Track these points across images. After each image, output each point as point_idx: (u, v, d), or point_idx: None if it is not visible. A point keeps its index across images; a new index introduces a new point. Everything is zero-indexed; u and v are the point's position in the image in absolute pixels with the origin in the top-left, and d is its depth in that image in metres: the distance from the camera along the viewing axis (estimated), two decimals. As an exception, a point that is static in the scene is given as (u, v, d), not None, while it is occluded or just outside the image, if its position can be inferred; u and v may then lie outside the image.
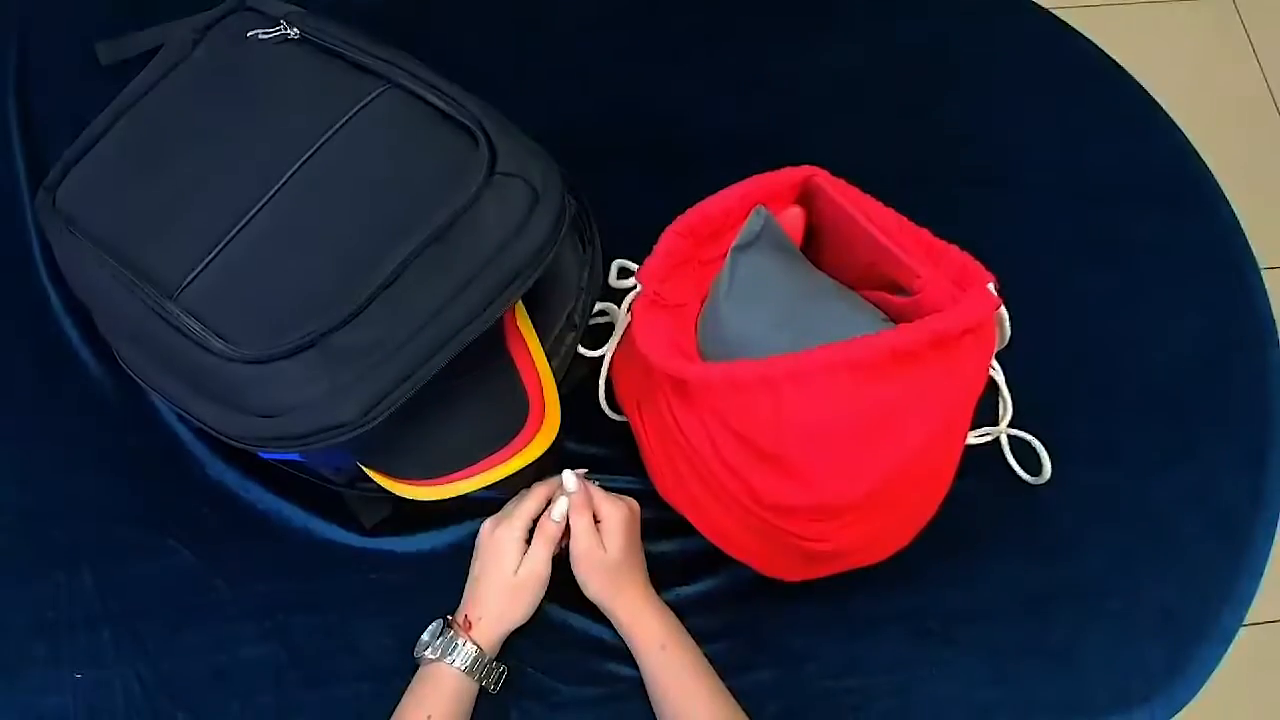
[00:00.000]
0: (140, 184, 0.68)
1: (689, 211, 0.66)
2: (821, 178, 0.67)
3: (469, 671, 0.67)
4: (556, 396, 0.69)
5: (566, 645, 0.73)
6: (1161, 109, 0.94)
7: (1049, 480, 0.77)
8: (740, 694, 0.69)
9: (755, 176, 0.67)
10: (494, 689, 0.70)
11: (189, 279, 0.64)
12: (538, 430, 0.67)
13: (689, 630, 0.71)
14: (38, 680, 0.71)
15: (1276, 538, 0.79)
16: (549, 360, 0.70)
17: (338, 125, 0.67)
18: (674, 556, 0.72)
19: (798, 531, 0.62)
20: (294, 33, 0.71)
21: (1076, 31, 0.98)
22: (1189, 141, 0.93)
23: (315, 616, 0.74)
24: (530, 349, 0.69)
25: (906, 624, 0.74)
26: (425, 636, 0.69)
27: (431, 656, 0.68)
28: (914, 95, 0.94)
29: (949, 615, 0.75)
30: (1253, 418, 0.82)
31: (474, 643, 0.68)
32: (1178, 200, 0.90)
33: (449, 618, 0.70)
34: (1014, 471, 0.78)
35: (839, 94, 0.93)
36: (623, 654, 0.70)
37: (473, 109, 0.67)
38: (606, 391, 0.76)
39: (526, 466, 0.68)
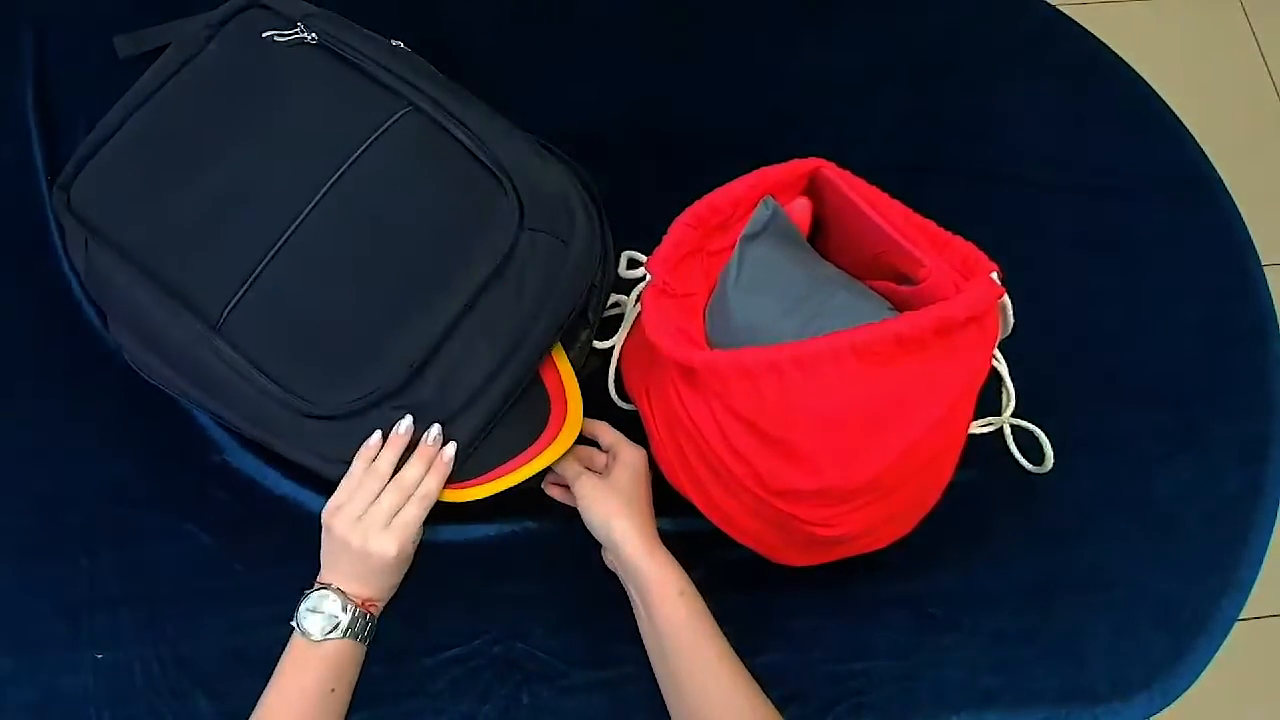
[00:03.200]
0: (163, 192, 0.68)
1: (698, 202, 0.67)
2: (829, 169, 0.68)
3: (353, 637, 0.66)
4: (579, 396, 0.70)
5: (574, 628, 0.74)
6: (1164, 102, 0.95)
7: (1051, 470, 0.78)
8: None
9: (763, 168, 0.68)
10: (367, 642, 0.68)
11: (227, 309, 0.65)
12: (559, 430, 0.68)
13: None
14: (59, 660, 0.73)
15: (1276, 529, 0.80)
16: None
17: (361, 147, 0.67)
18: (680, 541, 0.73)
19: (803, 516, 0.63)
20: (311, 37, 0.71)
21: (1079, 25, 0.98)
22: (1191, 135, 0.94)
23: (330, 600, 0.75)
24: (552, 352, 0.70)
25: (910, 610, 0.75)
26: (305, 606, 0.66)
27: (312, 633, 0.65)
28: (917, 89, 0.94)
29: (952, 602, 0.76)
30: (1254, 409, 0.83)
31: (351, 602, 0.66)
32: (1180, 193, 0.91)
33: (329, 585, 0.67)
34: (1017, 461, 0.79)
35: (844, 89, 0.94)
36: (630, 636, 0.71)
37: (495, 146, 0.68)
38: (616, 381, 0.77)
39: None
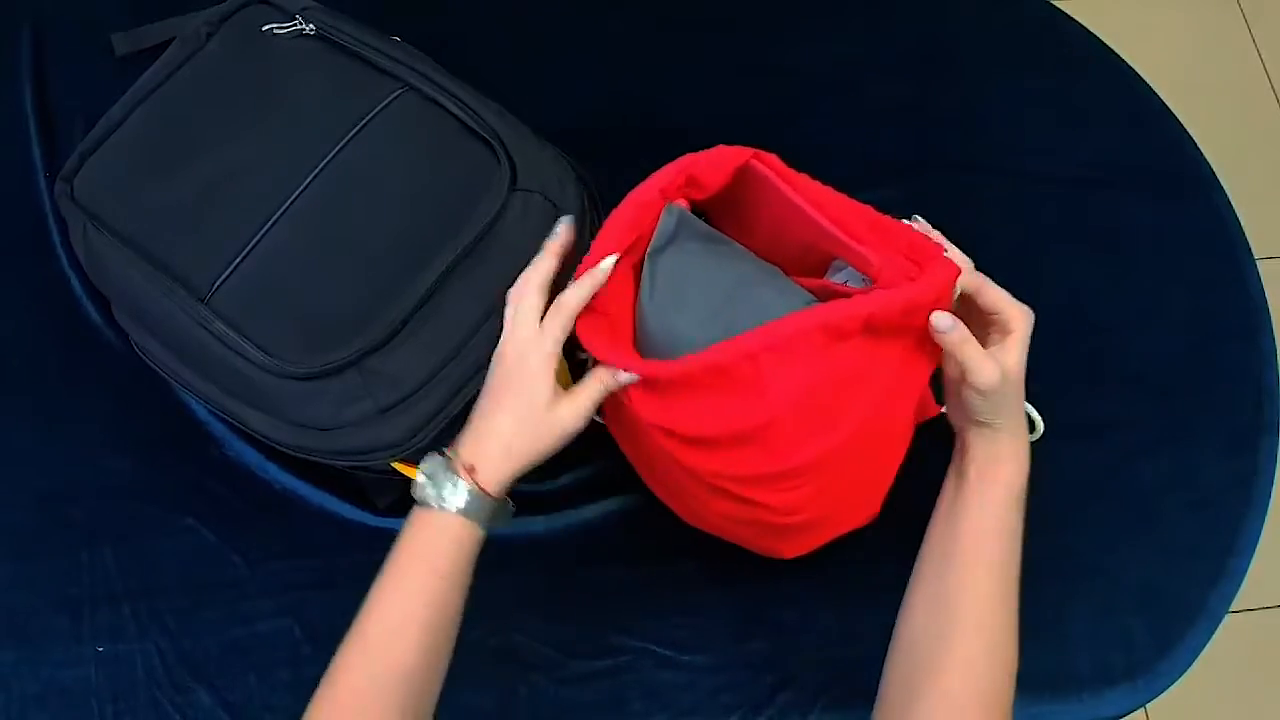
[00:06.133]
0: (161, 179, 0.69)
1: (615, 213, 0.63)
2: (760, 163, 0.65)
3: (474, 520, 0.58)
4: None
5: (571, 619, 0.75)
6: (1157, 95, 0.95)
7: (1037, 456, 0.77)
8: (739, 665, 0.72)
9: (691, 155, 0.64)
10: (503, 528, 0.61)
11: (218, 282, 0.66)
12: None
13: (686, 605, 0.73)
14: (60, 654, 0.74)
15: (1266, 522, 0.80)
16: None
17: (357, 128, 0.68)
18: (671, 530, 0.74)
19: (771, 503, 0.62)
20: (310, 29, 0.72)
21: (1072, 19, 0.99)
22: (1183, 127, 0.94)
23: (329, 593, 0.75)
24: None
25: (898, 596, 0.76)
26: (421, 476, 0.59)
27: (430, 502, 0.58)
28: (911, 82, 0.95)
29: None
30: (1242, 401, 0.83)
31: (478, 487, 0.58)
32: (1172, 186, 0.91)
33: (448, 454, 0.59)
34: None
35: (838, 83, 0.94)
36: (628, 625, 0.71)
37: (489, 118, 0.69)
38: None
39: None
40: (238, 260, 0.66)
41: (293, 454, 0.68)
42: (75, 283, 0.83)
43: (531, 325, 0.59)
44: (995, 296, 0.61)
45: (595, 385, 0.60)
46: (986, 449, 0.61)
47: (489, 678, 0.73)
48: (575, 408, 0.60)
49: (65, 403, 0.81)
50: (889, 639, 0.74)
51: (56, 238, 0.85)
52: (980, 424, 0.61)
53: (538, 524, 0.78)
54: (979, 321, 0.62)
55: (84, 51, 0.91)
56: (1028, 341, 0.61)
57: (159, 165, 0.69)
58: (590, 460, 0.79)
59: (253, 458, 0.78)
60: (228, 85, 0.72)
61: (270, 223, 0.66)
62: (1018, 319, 0.61)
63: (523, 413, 0.59)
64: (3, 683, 0.73)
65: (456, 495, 0.57)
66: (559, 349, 0.59)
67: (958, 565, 0.60)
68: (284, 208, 0.66)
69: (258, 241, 0.66)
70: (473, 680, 0.73)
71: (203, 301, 0.65)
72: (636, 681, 0.72)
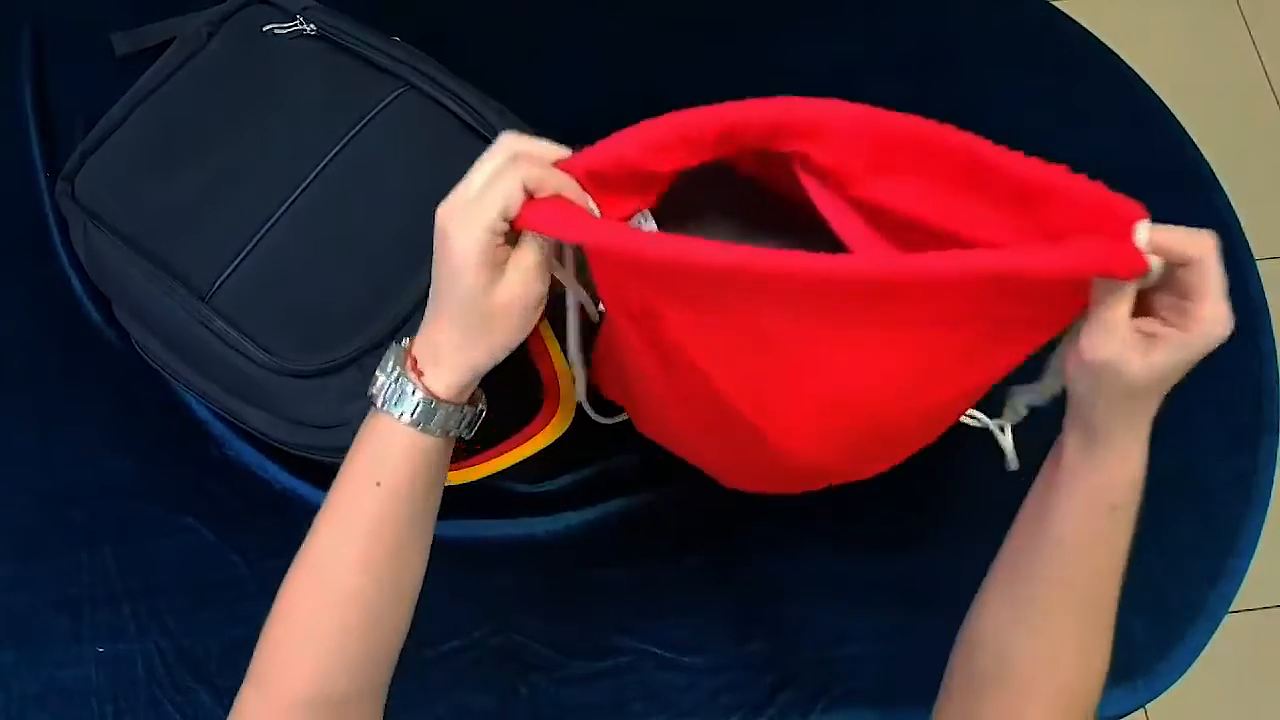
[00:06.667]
0: (162, 178, 0.69)
1: (657, 127, 0.54)
2: (808, 168, 0.56)
3: (424, 428, 0.50)
4: (570, 380, 0.71)
5: (572, 620, 0.75)
6: (1157, 95, 0.95)
7: (1036, 457, 0.77)
8: (739, 665, 0.72)
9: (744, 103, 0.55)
10: (468, 435, 0.54)
11: (218, 281, 0.66)
12: (553, 415, 0.69)
13: (686, 605, 0.73)
14: (60, 654, 0.74)
15: (1266, 522, 0.80)
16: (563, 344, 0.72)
17: (357, 127, 0.69)
18: (672, 530, 0.74)
19: (755, 420, 0.57)
20: (310, 29, 0.73)
21: (1072, 19, 0.99)
22: (1183, 127, 0.94)
23: (329, 592, 0.76)
24: (542, 333, 0.71)
25: (898, 594, 0.76)
26: (379, 373, 0.51)
27: (377, 404, 0.51)
28: (911, 82, 0.94)
29: (940, 586, 0.76)
30: (1243, 401, 0.83)
31: (425, 390, 0.50)
32: (1171, 186, 0.91)
33: (407, 347, 0.52)
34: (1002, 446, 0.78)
35: (838, 81, 0.94)
36: (628, 625, 0.71)
37: (490, 117, 0.69)
38: (589, 392, 0.71)
39: (540, 451, 0.70)
40: (238, 259, 0.66)
41: (293, 452, 0.68)
42: (75, 283, 0.83)
43: (464, 192, 0.47)
44: (1204, 281, 0.46)
45: (530, 236, 0.49)
46: (1078, 454, 0.53)
47: (489, 678, 0.73)
48: (519, 268, 0.48)
49: (65, 403, 0.81)
50: (888, 639, 0.74)
51: (56, 238, 0.85)
52: (1081, 419, 0.52)
53: (538, 524, 0.78)
54: (1170, 303, 0.48)
55: (84, 51, 0.91)
56: (1192, 354, 0.47)
57: (160, 164, 0.70)
58: (590, 460, 0.79)
59: (252, 457, 0.79)
60: (228, 85, 0.72)
61: (271, 221, 0.66)
62: (1198, 322, 0.46)
63: (461, 307, 0.48)
64: (3, 683, 0.73)
65: (403, 401, 0.50)
66: (496, 226, 0.46)
67: (1037, 564, 0.55)
68: (285, 207, 0.67)
69: (258, 240, 0.66)
70: (473, 680, 0.73)
71: (204, 300, 0.66)
72: (636, 682, 0.72)
